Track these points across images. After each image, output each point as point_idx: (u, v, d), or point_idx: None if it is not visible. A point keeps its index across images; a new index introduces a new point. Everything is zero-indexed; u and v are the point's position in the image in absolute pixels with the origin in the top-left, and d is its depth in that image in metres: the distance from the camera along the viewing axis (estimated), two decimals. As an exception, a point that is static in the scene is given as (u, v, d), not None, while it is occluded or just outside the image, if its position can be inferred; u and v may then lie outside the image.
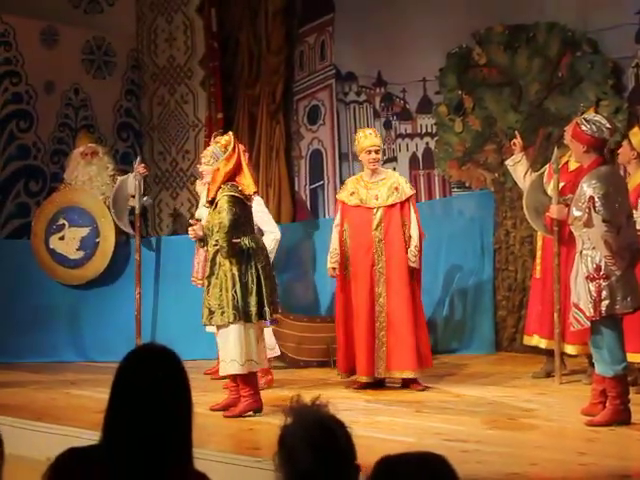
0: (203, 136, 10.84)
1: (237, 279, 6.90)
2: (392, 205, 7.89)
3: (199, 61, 11.06)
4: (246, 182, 7.04)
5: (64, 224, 9.67)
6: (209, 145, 7.65)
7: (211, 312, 6.95)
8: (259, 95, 10.81)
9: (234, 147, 7.10)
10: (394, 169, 10.09)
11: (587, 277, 6.35)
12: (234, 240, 6.90)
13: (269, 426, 6.45)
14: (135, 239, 9.52)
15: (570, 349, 7.90)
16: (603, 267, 6.31)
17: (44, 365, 9.15)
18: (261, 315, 6.96)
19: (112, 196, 9.53)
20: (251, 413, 6.97)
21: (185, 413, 2.76)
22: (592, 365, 7.78)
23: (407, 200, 7.92)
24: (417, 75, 10.16)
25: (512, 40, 9.51)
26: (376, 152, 7.98)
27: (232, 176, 7.02)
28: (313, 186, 10.77)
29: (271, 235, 8.09)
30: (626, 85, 9.16)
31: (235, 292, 6.88)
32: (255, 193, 7.22)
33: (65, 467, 2.72)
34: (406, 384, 7.88)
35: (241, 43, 10.91)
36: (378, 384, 7.91)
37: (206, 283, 7.04)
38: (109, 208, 9.60)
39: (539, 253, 8.22)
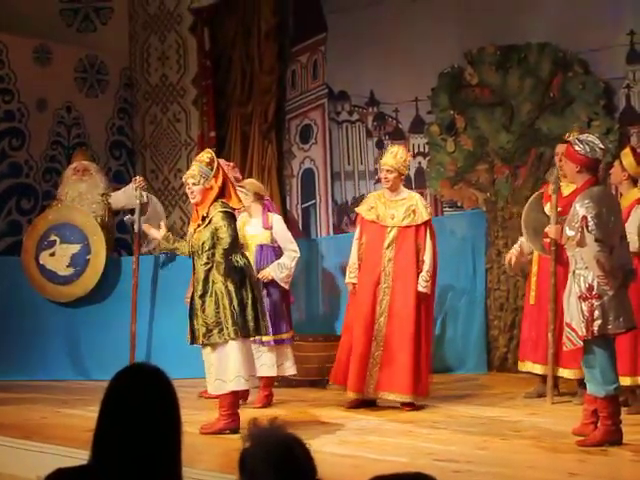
0: (195, 154, 10.83)
1: (234, 295, 6.88)
2: (407, 227, 7.83)
3: (192, 80, 11.08)
4: (233, 198, 7.06)
5: (55, 240, 9.65)
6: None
7: (209, 330, 6.91)
8: (251, 114, 10.83)
9: (217, 163, 7.10)
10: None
11: (580, 297, 6.35)
12: (228, 257, 6.91)
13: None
14: (133, 256, 9.49)
15: (567, 373, 7.89)
16: (595, 287, 6.32)
17: (34, 384, 9.12)
18: (257, 330, 6.96)
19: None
20: (227, 432, 6.95)
21: (174, 432, 2.75)
22: (582, 386, 7.81)
23: (424, 224, 7.83)
24: (409, 95, 10.19)
25: (504, 60, 9.54)
26: (387, 171, 7.87)
27: (222, 193, 7.03)
28: (305, 205, 10.78)
29: (292, 254, 8.11)
30: (617, 106, 9.19)
31: (234, 308, 6.86)
32: (241, 209, 7.23)
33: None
34: (404, 404, 7.82)
35: (234, 62, 10.94)
36: (369, 403, 7.88)
37: (199, 302, 6.97)
38: (108, 226, 9.60)
39: (534, 279, 8.18)
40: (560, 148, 8.01)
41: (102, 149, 11.05)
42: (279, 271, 8.00)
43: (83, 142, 10.91)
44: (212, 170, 7.02)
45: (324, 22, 10.71)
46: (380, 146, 10.40)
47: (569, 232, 6.41)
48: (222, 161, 8.20)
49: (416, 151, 10.27)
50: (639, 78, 9.10)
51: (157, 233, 7.66)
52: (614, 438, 6.42)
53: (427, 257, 7.77)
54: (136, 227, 9.37)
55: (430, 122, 10.00)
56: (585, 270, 6.36)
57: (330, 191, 10.67)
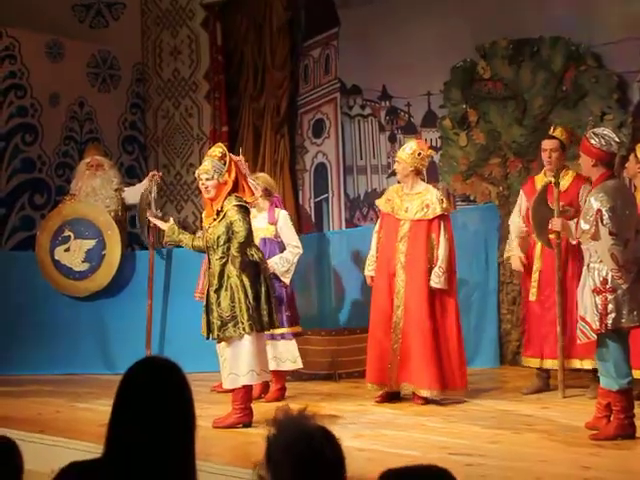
0: (207, 149, 10.85)
1: (249, 289, 6.91)
2: (419, 221, 7.82)
3: (204, 74, 11.09)
4: (246, 191, 7.07)
5: (70, 236, 9.68)
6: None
7: (224, 324, 6.93)
8: (264, 108, 10.84)
9: (230, 157, 7.11)
10: (398, 182, 10.13)
11: (594, 290, 6.35)
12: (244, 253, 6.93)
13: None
14: (149, 250, 9.53)
15: (579, 363, 7.89)
16: (610, 280, 6.32)
17: (49, 378, 9.15)
18: (271, 323, 6.99)
19: (138, 207, 9.56)
20: (241, 426, 6.97)
21: (188, 426, 2.76)
22: (595, 379, 7.80)
23: (437, 219, 7.81)
24: (422, 89, 10.18)
25: (516, 54, 9.52)
26: (397, 162, 7.97)
27: (235, 187, 7.04)
28: (317, 199, 10.78)
29: (295, 249, 8.11)
30: (631, 99, 9.16)
31: (249, 302, 6.89)
32: (254, 202, 7.24)
33: (67, 480, 2.72)
34: (418, 397, 7.83)
35: (246, 57, 10.95)
36: (394, 396, 7.88)
37: (214, 296, 6.99)
38: (122, 221, 9.63)
39: (536, 275, 8.15)
40: (547, 144, 8.05)
41: (114, 144, 11.07)
42: (281, 265, 8.01)
43: (96, 137, 10.93)
44: (225, 164, 7.03)
45: (336, 16, 10.70)
46: (392, 140, 10.39)
47: (584, 225, 6.41)
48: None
49: (428, 145, 10.25)
50: (652, 72, 9.07)
51: (163, 225, 7.70)
52: (627, 432, 6.42)
53: (441, 252, 7.76)
54: (151, 220, 9.41)
55: (442, 116, 9.98)
56: (599, 264, 6.36)
57: (342, 185, 10.68)
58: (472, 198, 9.89)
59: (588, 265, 6.47)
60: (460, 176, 9.83)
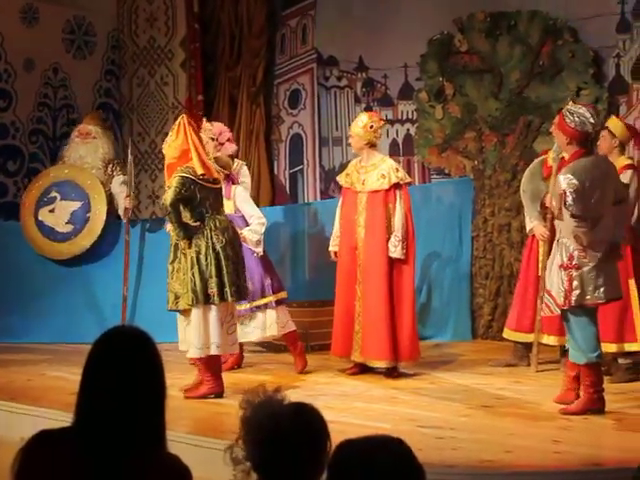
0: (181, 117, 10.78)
1: (195, 261, 6.88)
2: (375, 192, 7.82)
3: (180, 42, 11.00)
4: (195, 164, 6.96)
5: (56, 197, 9.63)
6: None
7: (177, 297, 6.96)
8: (240, 78, 10.78)
9: (177, 131, 7.06)
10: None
11: (560, 265, 6.38)
12: (192, 223, 6.91)
13: (244, 410, 6.44)
14: (124, 221, 9.49)
15: (551, 340, 7.90)
16: (575, 257, 6.34)
17: (19, 346, 9.11)
18: (222, 296, 6.90)
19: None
20: (212, 396, 6.98)
21: (158, 395, 2.75)
22: (564, 355, 7.84)
23: (393, 188, 7.81)
24: (398, 61, 10.15)
25: (493, 27, 9.50)
26: (350, 136, 8.03)
27: (183, 160, 6.97)
28: (293, 170, 10.75)
29: (260, 220, 8.04)
30: (607, 74, 9.17)
31: (193, 275, 6.87)
32: (208, 176, 7.10)
33: (36, 449, 2.71)
34: (389, 370, 7.85)
35: (222, 25, 10.87)
36: (366, 368, 7.89)
37: (170, 268, 7.03)
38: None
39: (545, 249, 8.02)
40: (558, 119, 8.00)
41: (89, 111, 10.97)
42: (251, 237, 7.99)
43: (70, 104, 10.83)
44: (175, 136, 7.04)
45: (314, -14, 10.64)
46: (369, 111, 10.35)
47: (554, 203, 6.44)
48: (216, 124, 8.24)
49: (404, 118, 10.24)
50: (629, 47, 9.08)
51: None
52: (596, 406, 6.46)
53: (397, 221, 7.76)
54: (130, 191, 9.44)
55: (419, 89, 9.96)
56: (567, 240, 6.39)
57: (318, 157, 10.65)
58: (447, 171, 9.89)
59: (558, 240, 6.50)
60: (435, 149, 9.82)
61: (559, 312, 6.44)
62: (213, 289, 6.86)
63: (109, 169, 9.70)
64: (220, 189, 7.20)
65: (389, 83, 10.29)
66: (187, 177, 6.90)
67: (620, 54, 9.10)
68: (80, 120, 10.27)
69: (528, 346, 8.01)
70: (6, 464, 2.73)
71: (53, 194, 9.63)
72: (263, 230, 8.05)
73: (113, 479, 2.66)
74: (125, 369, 2.69)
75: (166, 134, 10.83)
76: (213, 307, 6.92)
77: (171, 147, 7.07)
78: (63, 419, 2.91)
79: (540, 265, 7.94)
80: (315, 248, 9.73)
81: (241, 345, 8.06)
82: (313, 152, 10.70)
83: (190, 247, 6.90)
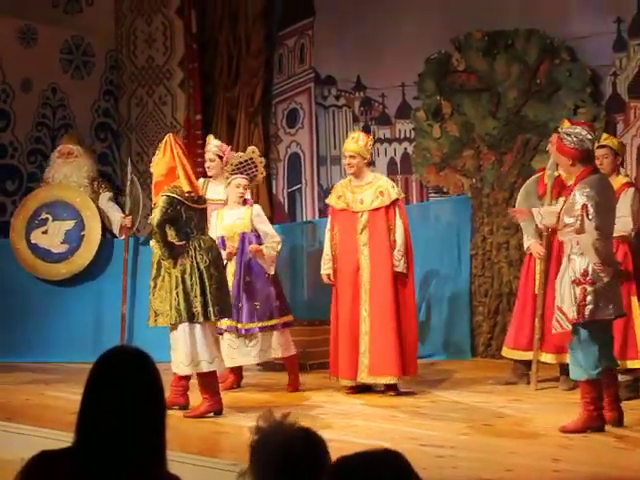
0: (181, 137, 10.81)
1: (180, 281, 6.93)
2: (376, 209, 7.84)
3: (178, 62, 11.03)
4: (182, 181, 7.04)
5: (47, 218, 9.61)
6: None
7: (156, 314, 7.04)
8: (238, 97, 10.80)
9: (164, 149, 7.14)
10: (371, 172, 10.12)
11: (574, 281, 6.38)
12: (177, 242, 6.96)
13: (244, 429, 6.43)
14: (123, 238, 9.49)
15: (550, 358, 7.89)
16: (590, 273, 6.36)
17: (19, 365, 9.09)
18: (206, 315, 6.94)
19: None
20: (212, 414, 6.97)
21: (158, 415, 2.74)
22: (563, 373, 7.85)
23: (392, 204, 7.85)
24: (396, 80, 10.17)
25: (491, 46, 9.53)
26: (351, 157, 7.92)
27: (170, 178, 7.04)
28: (291, 189, 10.76)
29: (278, 239, 8.11)
30: (604, 93, 9.20)
31: (177, 294, 6.92)
32: (194, 194, 7.16)
33: (36, 470, 2.70)
34: (389, 388, 7.86)
35: (220, 45, 10.90)
36: (365, 388, 7.89)
37: (152, 284, 7.11)
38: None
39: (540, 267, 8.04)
40: (554, 138, 8.01)
41: (87, 131, 10.99)
42: (269, 252, 8.03)
43: (69, 124, 10.85)
44: (161, 155, 7.14)
45: (312, 6, 10.67)
46: (366, 131, 10.36)
47: (567, 219, 6.47)
48: (214, 142, 8.34)
49: (402, 137, 10.26)
50: (625, 66, 9.11)
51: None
52: (596, 424, 6.45)
53: (398, 236, 7.80)
54: (127, 210, 9.45)
55: (416, 107, 9.98)
56: (580, 256, 6.40)
57: (316, 175, 10.66)
58: (445, 190, 9.90)
59: (569, 256, 6.51)
60: (433, 168, 9.83)
61: (570, 327, 6.43)
62: (197, 308, 6.92)
63: (95, 186, 9.71)
64: (205, 209, 7.27)
65: (387, 102, 10.32)
66: (173, 197, 6.98)
67: (617, 72, 9.14)
68: (80, 140, 10.30)
69: (528, 364, 8.00)
70: (6, 485, 2.73)
71: (44, 215, 9.61)
72: (279, 248, 8.09)
73: (114, 499, 2.66)
74: (125, 389, 2.69)
75: (164, 154, 10.98)
76: (198, 325, 6.96)
77: (158, 165, 7.16)
78: (63, 439, 2.90)
79: (537, 283, 7.95)
80: (313, 267, 9.71)
81: (240, 367, 8.08)
82: (311, 171, 10.72)
83: (175, 266, 6.96)
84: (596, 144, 7.65)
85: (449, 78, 9.76)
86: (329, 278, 7.98)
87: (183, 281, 6.91)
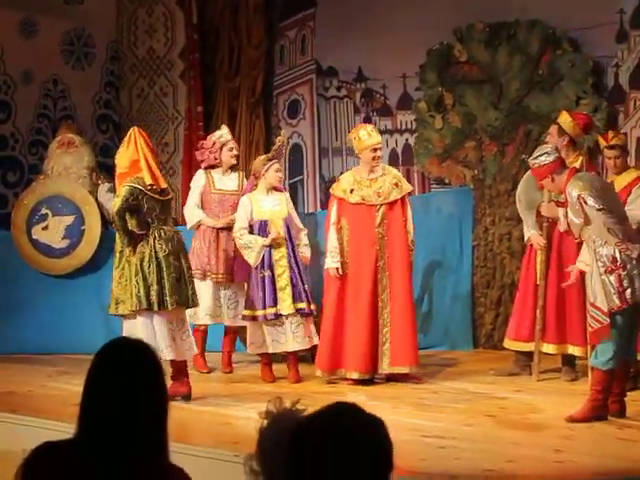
0: (183, 129, 10.81)
1: (138, 269, 7.08)
2: (394, 201, 7.90)
3: (179, 53, 11.01)
4: (144, 174, 7.23)
5: (47, 214, 9.60)
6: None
7: (117, 302, 7.20)
8: (239, 88, 10.78)
9: (128, 142, 7.32)
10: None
11: (606, 270, 6.38)
12: (137, 231, 7.13)
13: (247, 420, 6.44)
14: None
15: (551, 348, 7.89)
16: (619, 258, 6.37)
17: (20, 357, 9.09)
18: (163, 304, 7.06)
19: None
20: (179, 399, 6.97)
21: (160, 406, 2.74)
22: (566, 364, 7.85)
23: (405, 195, 7.98)
24: (397, 71, 10.15)
25: (493, 37, 9.51)
26: (380, 149, 8.04)
27: (133, 170, 7.24)
28: (292, 181, 10.74)
29: (303, 231, 8.34)
30: (606, 84, 9.18)
31: (137, 282, 7.07)
32: (155, 186, 7.30)
33: (39, 461, 2.70)
34: (395, 378, 7.87)
35: (221, 36, 10.88)
36: (368, 380, 7.89)
37: (114, 274, 7.29)
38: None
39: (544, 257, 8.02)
40: (552, 129, 8.01)
41: (89, 122, 10.98)
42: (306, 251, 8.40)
43: (69, 115, 10.83)
44: (125, 147, 7.34)
45: (313, -3, 10.65)
46: (367, 122, 10.34)
47: (576, 219, 6.51)
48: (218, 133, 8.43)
49: (403, 128, 10.25)
50: (627, 57, 9.09)
51: None
52: (601, 414, 6.46)
53: (410, 226, 7.92)
54: None
55: (418, 99, 9.96)
56: (604, 246, 6.41)
57: (318, 167, 10.65)
58: (447, 181, 9.89)
59: (594, 251, 6.51)
60: (435, 159, 9.82)
61: (607, 321, 6.40)
62: (153, 297, 7.05)
63: (94, 177, 9.70)
64: (168, 200, 7.44)
65: (388, 93, 10.29)
66: (135, 187, 7.16)
67: (619, 64, 9.12)
68: (79, 130, 10.28)
69: (529, 355, 8.00)
70: (9, 476, 2.72)
71: (44, 211, 9.59)
72: (305, 240, 8.35)
73: (117, 490, 2.66)
74: (126, 379, 2.69)
75: (166, 145, 10.98)
76: (155, 314, 7.09)
77: (122, 158, 7.38)
78: (65, 430, 2.90)
79: (538, 274, 7.94)
80: (315, 259, 9.71)
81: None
82: (313, 162, 10.70)
83: (134, 255, 7.11)
84: (603, 144, 7.66)
85: (451, 69, 9.74)
86: (338, 272, 7.91)
87: (142, 269, 7.08)
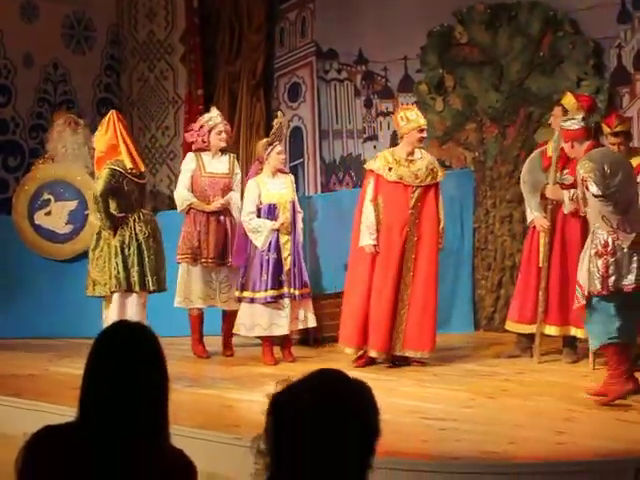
0: (183, 112, 10.79)
1: (119, 251, 7.26)
2: (429, 185, 7.93)
3: (180, 37, 10.99)
4: (124, 158, 7.37)
5: (49, 199, 9.57)
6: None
7: (94, 284, 7.35)
8: (239, 71, 10.77)
9: (107, 126, 7.42)
10: (374, 147, 10.09)
11: (596, 253, 6.40)
12: (118, 214, 7.28)
13: (248, 403, 6.46)
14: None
15: (553, 330, 7.89)
16: (611, 244, 6.37)
17: (21, 341, 9.10)
18: (144, 285, 7.23)
19: None
20: None
21: (160, 389, 2.75)
22: (567, 345, 7.85)
23: (438, 182, 8.02)
24: (398, 53, 10.13)
25: (494, 19, 9.48)
26: (426, 131, 8.06)
27: (110, 154, 7.37)
28: (293, 163, 10.73)
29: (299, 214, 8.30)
30: (607, 65, 9.15)
31: (117, 263, 7.23)
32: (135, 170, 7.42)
33: (39, 444, 2.71)
34: (405, 360, 7.89)
35: (222, 19, 10.86)
36: (371, 361, 7.90)
37: (91, 256, 7.43)
38: None
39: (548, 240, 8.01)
40: (556, 110, 7.99)
41: (89, 106, 10.97)
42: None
43: (70, 99, 10.82)
44: (103, 131, 7.45)
45: (313, -21, 10.62)
46: (368, 105, 10.35)
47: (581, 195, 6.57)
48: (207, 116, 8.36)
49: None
50: (630, 38, 9.06)
51: None
52: (634, 387, 6.48)
53: (442, 214, 8.00)
54: None
55: (419, 81, 9.94)
56: (600, 229, 6.42)
57: (318, 150, 10.63)
58: (448, 163, 9.87)
59: (593, 231, 6.53)
60: (436, 141, 9.80)
61: (584, 302, 6.43)
62: (134, 278, 7.21)
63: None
64: (145, 184, 7.64)
65: (389, 75, 10.27)
66: (116, 169, 7.32)
67: (622, 44, 9.08)
68: (80, 113, 10.26)
69: (531, 337, 8.00)
70: (10, 459, 2.73)
71: (46, 196, 9.56)
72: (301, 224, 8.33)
73: (116, 471, 2.66)
74: (126, 361, 2.70)
75: (167, 128, 10.97)
76: (134, 294, 7.26)
77: (100, 141, 7.51)
78: (67, 414, 2.91)
79: (541, 256, 7.93)
80: (316, 242, 9.72)
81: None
82: (313, 145, 10.69)
83: (114, 237, 7.27)
84: (607, 130, 7.64)
85: (452, 51, 9.72)
86: (375, 249, 7.84)
87: (122, 251, 7.23)
